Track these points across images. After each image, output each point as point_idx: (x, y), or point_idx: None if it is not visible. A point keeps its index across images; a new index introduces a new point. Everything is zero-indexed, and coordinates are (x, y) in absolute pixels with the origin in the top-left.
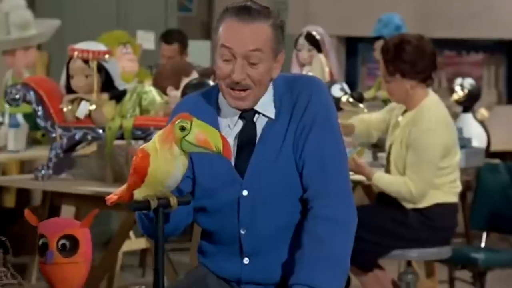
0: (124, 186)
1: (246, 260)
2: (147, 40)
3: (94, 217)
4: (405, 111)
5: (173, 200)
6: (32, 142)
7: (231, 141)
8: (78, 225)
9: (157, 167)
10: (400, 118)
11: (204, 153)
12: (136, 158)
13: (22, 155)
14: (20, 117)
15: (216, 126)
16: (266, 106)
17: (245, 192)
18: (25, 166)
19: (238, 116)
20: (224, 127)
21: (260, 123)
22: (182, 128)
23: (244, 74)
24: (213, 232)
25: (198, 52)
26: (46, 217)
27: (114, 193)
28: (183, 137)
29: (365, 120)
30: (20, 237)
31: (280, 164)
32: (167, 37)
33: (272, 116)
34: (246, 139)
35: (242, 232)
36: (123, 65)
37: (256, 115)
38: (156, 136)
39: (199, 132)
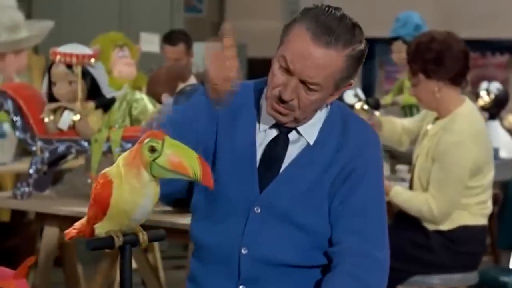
0: (84, 219)
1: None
2: (151, 42)
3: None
4: (437, 118)
5: (143, 236)
6: (22, 153)
7: (261, 148)
8: (11, 276)
9: (121, 196)
10: (429, 126)
11: (226, 148)
12: (96, 186)
13: (9, 168)
14: (7, 127)
15: (253, 126)
16: (309, 127)
17: (257, 209)
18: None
19: (274, 123)
20: (260, 131)
21: (297, 145)
22: (152, 149)
23: (294, 95)
24: (209, 246)
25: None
26: (39, 233)
27: (74, 226)
28: (154, 159)
29: (395, 122)
30: (16, 251)
31: (306, 198)
32: (171, 38)
33: (311, 141)
34: (274, 153)
35: (243, 251)
36: (119, 70)
37: (295, 133)
38: (120, 158)
39: (172, 153)
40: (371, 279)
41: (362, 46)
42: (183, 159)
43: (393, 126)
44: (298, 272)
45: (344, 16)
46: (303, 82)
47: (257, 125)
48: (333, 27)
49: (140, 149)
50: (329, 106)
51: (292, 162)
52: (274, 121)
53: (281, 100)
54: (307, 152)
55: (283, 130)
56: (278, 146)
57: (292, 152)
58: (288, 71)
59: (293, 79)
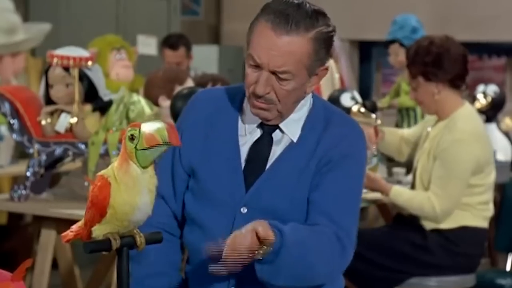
0: (81, 222)
1: None
2: (148, 45)
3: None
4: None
5: (140, 239)
6: (20, 156)
7: (245, 149)
8: (8, 278)
9: (120, 198)
10: (429, 129)
11: (208, 152)
12: (94, 188)
13: (6, 170)
14: (4, 129)
15: (235, 128)
16: (292, 125)
17: (244, 209)
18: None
19: (257, 124)
20: (241, 132)
21: (281, 143)
22: (131, 138)
23: (269, 88)
24: (199, 249)
25: (205, 57)
26: (36, 235)
27: (71, 228)
28: (135, 147)
29: (397, 133)
30: (13, 254)
31: (291, 195)
32: (172, 42)
33: (294, 139)
34: (259, 153)
35: None
36: (116, 72)
37: (279, 132)
38: (115, 160)
39: (146, 132)
40: (328, 249)
41: (328, 28)
42: (153, 132)
43: (392, 137)
44: None
45: (303, 3)
46: (273, 73)
47: (240, 127)
48: (290, 14)
49: (124, 144)
50: (311, 103)
51: (276, 160)
52: (257, 123)
53: (257, 96)
54: (290, 149)
55: (267, 129)
56: (262, 146)
57: (276, 151)
58: (257, 67)
59: (263, 72)
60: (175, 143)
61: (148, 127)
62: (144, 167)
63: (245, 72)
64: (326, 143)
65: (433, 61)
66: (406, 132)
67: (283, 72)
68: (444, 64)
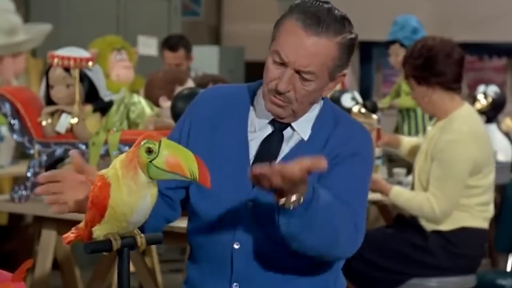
0: (81, 223)
1: (235, 286)
2: (149, 46)
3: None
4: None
5: (141, 239)
6: (20, 156)
7: (254, 145)
8: (9, 279)
9: (119, 199)
10: (429, 128)
11: (215, 148)
12: (94, 188)
13: (7, 171)
14: (4, 130)
15: (244, 124)
16: (303, 124)
17: (249, 204)
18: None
19: (269, 120)
20: (250, 128)
21: (291, 141)
22: (149, 151)
23: (290, 86)
24: (203, 244)
25: (206, 58)
26: (37, 236)
27: (72, 230)
28: (150, 161)
29: (413, 142)
30: (13, 255)
31: None
32: (171, 44)
33: (305, 137)
34: (269, 150)
35: (235, 246)
36: (117, 73)
37: (290, 129)
38: (117, 160)
39: (169, 154)
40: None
41: (352, 35)
42: (180, 160)
43: (412, 146)
44: (290, 267)
45: (332, 8)
46: (297, 72)
47: (250, 123)
48: (322, 16)
49: (137, 151)
50: (321, 103)
51: (285, 157)
52: (269, 119)
53: (277, 92)
54: (301, 147)
55: (278, 126)
56: (272, 142)
57: (287, 148)
58: (282, 64)
59: (288, 70)
60: (206, 184)
61: (173, 150)
62: (152, 179)
63: (265, 67)
64: (334, 142)
65: (423, 65)
66: (420, 139)
67: (307, 73)
68: (434, 68)
